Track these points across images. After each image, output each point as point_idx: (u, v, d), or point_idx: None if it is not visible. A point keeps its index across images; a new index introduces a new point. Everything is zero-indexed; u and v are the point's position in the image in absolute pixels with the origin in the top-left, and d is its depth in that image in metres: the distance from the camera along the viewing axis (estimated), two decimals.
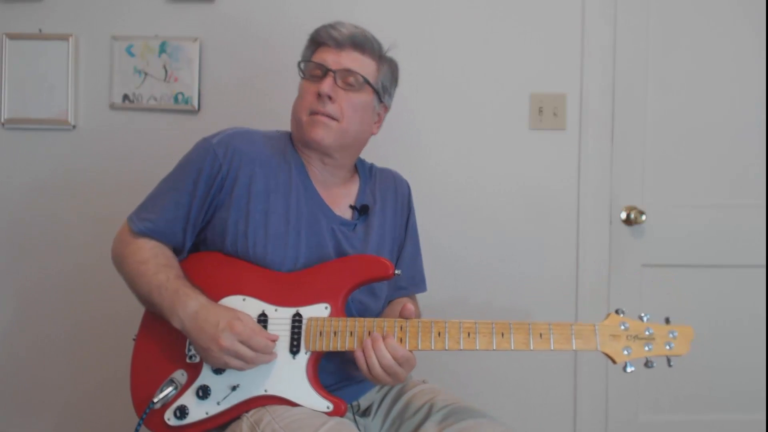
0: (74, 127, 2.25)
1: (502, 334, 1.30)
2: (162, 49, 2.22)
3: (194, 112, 2.24)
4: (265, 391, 1.34)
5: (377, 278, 1.40)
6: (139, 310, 1.47)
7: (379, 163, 1.67)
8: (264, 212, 1.41)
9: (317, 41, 1.48)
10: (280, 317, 1.36)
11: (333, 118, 1.43)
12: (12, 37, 2.24)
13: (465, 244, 2.26)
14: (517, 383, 2.27)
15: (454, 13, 2.25)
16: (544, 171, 2.27)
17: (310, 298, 1.37)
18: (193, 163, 1.43)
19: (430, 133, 2.25)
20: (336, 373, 1.42)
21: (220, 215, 1.42)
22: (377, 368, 1.28)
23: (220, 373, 1.35)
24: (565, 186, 2.27)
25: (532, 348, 1.30)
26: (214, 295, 1.38)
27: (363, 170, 1.60)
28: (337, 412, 1.32)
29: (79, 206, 2.24)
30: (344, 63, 1.43)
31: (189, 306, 1.33)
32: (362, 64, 1.45)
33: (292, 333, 1.35)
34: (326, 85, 1.42)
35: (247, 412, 1.33)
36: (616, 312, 1.33)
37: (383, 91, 1.51)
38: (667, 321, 1.33)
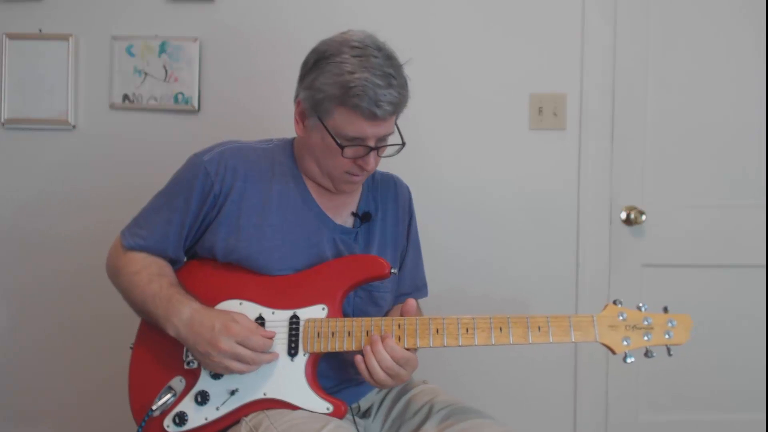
0: (74, 127, 2.25)
1: (501, 329, 1.30)
2: (162, 49, 2.22)
3: (194, 112, 2.24)
4: (264, 394, 1.33)
5: (374, 277, 1.39)
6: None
7: (380, 163, 1.66)
8: (258, 226, 1.39)
9: (355, 108, 1.32)
10: (277, 320, 1.35)
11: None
12: (12, 37, 2.23)
13: (465, 245, 2.26)
14: (517, 384, 2.27)
15: (453, 13, 2.25)
16: (544, 171, 2.27)
17: (306, 299, 1.36)
18: (185, 181, 1.42)
19: (430, 133, 2.24)
20: (334, 376, 1.42)
21: (212, 231, 1.40)
22: (378, 371, 1.27)
23: (219, 378, 1.34)
24: (565, 186, 2.27)
25: (530, 341, 1.29)
26: (211, 300, 1.37)
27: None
28: (337, 413, 1.31)
29: (79, 206, 2.24)
30: (382, 132, 1.36)
31: (182, 313, 1.32)
32: (393, 120, 1.39)
33: (290, 335, 1.34)
34: (372, 163, 1.38)
35: (246, 416, 1.33)
36: (614, 303, 1.32)
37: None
38: (665, 310, 1.32)
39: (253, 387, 1.33)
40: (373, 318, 1.34)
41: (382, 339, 1.29)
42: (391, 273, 1.38)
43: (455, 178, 2.26)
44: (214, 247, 1.40)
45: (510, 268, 2.27)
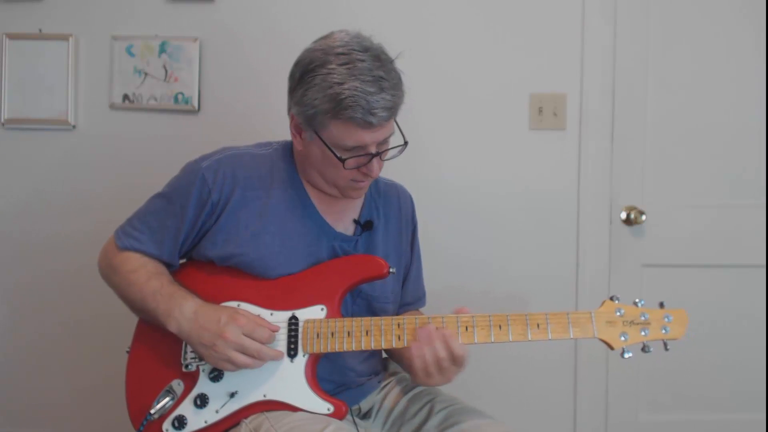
0: (74, 127, 2.25)
1: (500, 327, 1.30)
2: (162, 49, 2.22)
3: (194, 112, 2.24)
4: (264, 396, 1.33)
5: (372, 277, 1.38)
6: None
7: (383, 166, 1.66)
8: (256, 234, 1.38)
9: (349, 120, 1.28)
10: (276, 321, 1.35)
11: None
12: (12, 37, 2.23)
13: (465, 245, 2.26)
14: (517, 383, 2.28)
15: (453, 13, 2.25)
16: (544, 171, 2.27)
17: (305, 300, 1.36)
18: (182, 188, 1.40)
19: (430, 133, 2.24)
20: (333, 380, 1.41)
21: (209, 239, 1.39)
22: (428, 359, 1.26)
23: (218, 381, 1.34)
24: (565, 186, 2.27)
25: (530, 338, 1.30)
26: (209, 301, 1.36)
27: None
28: (337, 414, 1.31)
29: (79, 206, 2.24)
30: (381, 137, 1.33)
31: (186, 307, 1.32)
32: (392, 122, 1.35)
33: (289, 336, 1.34)
34: (376, 170, 1.36)
35: (245, 418, 1.32)
36: (611, 299, 1.34)
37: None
38: (662, 305, 1.35)
39: (253, 389, 1.33)
40: (373, 318, 1.34)
41: (445, 336, 1.27)
42: (389, 273, 1.37)
43: (455, 178, 2.26)
44: (211, 253, 1.39)
45: (510, 268, 2.27)
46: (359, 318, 1.34)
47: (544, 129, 2.26)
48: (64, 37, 2.23)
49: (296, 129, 1.38)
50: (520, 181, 2.27)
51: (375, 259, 1.39)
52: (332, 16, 2.16)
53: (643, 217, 2.26)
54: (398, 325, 1.33)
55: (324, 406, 1.32)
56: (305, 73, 1.30)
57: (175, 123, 2.24)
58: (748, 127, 2.29)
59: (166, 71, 2.22)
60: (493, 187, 2.27)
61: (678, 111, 2.29)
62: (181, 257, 1.45)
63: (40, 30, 2.24)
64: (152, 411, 1.32)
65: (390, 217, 1.54)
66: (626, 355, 1.31)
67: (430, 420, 1.40)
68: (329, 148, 1.32)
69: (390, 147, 1.37)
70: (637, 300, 1.35)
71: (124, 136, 2.25)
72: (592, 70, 2.25)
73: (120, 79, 2.23)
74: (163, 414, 1.34)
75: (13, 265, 2.27)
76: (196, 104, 2.23)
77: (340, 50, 1.28)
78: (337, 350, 1.33)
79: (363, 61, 1.27)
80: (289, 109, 1.37)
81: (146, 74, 2.23)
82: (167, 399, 1.34)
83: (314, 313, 1.35)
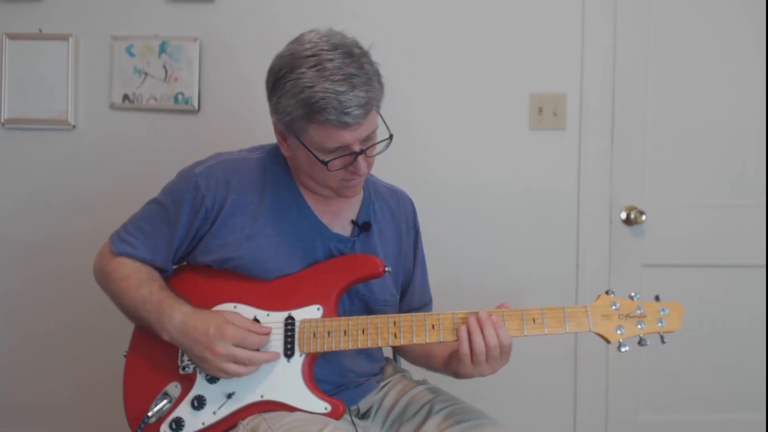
0: (74, 127, 2.25)
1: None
2: (162, 49, 2.22)
3: (194, 112, 2.24)
4: (262, 396, 1.33)
5: (368, 276, 1.38)
6: None
7: (379, 163, 1.65)
8: (251, 237, 1.37)
9: (325, 123, 1.26)
10: (272, 321, 1.35)
11: None
12: (12, 37, 2.24)
13: (465, 245, 2.26)
14: (517, 383, 2.27)
15: (453, 13, 2.25)
16: (544, 171, 2.27)
17: (301, 300, 1.36)
18: (176, 194, 1.40)
19: (429, 133, 2.25)
20: (331, 381, 1.41)
21: (204, 244, 1.39)
22: (480, 346, 1.25)
23: (215, 382, 1.34)
24: (565, 186, 2.27)
25: (526, 334, 1.30)
26: (205, 304, 1.36)
27: (367, 184, 1.53)
28: (335, 413, 1.31)
29: (78, 206, 2.24)
30: (363, 134, 1.29)
31: (174, 318, 1.31)
32: (373, 117, 1.31)
33: (286, 336, 1.34)
34: (363, 167, 1.32)
35: (243, 419, 1.32)
36: (607, 293, 1.34)
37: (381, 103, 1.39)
38: (657, 298, 1.34)
39: (250, 389, 1.33)
40: (369, 316, 1.34)
41: (494, 322, 1.27)
42: (385, 272, 1.36)
43: (455, 178, 2.26)
44: (207, 258, 1.39)
45: (510, 268, 2.27)
46: (355, 317, 1.34)
47: (544, 129, 2.26)
48: (64, 37, 2.23)
49: (281, 136, 1.37)
50: (520, 181, 2.27)
51: (371, 258, 1.39)
52: (332, 15, 2.16)
53: (643, 217, 2.26)
54: (394, 323, 1.32)
55: (321, 406, 1.32)
56: (277, 81, 1.29)
57: (175, 123, 2.24)
58: (748, 127, 2.29)
59: (166, 71, 2.22)
60: (493, 187, 2.27)
61: (678, 111, 2.29)
62: (177, 262, 1.45)
63: (40, 30, 2.24)
64: (150, 414, 1.32)
65: (388, 221, 1.53)
66: (623, 349, 1.31)
67: (430, 420, 1.39)
68: (312, 153, 1.30)
69: (376, 142, 1.34)
70: (632, 294, 1.35)
71: (124, 136, 2.25)
72: (592, 70, 2.25)
73: (120, 79, 2.23)
74: (161, 417, 1.34)
75: (13, 265, 2.27)
76: (196, 104, 2.23)
77: (308, 53, 1.25)
78: (333, 349, 1.33)
79: (332, 60, 1.24)
80: (271, 117, 1.36)
81: (146, 74, 2.23)
82: (165, 401, 1.34)
83: (310, 312, 1.35)
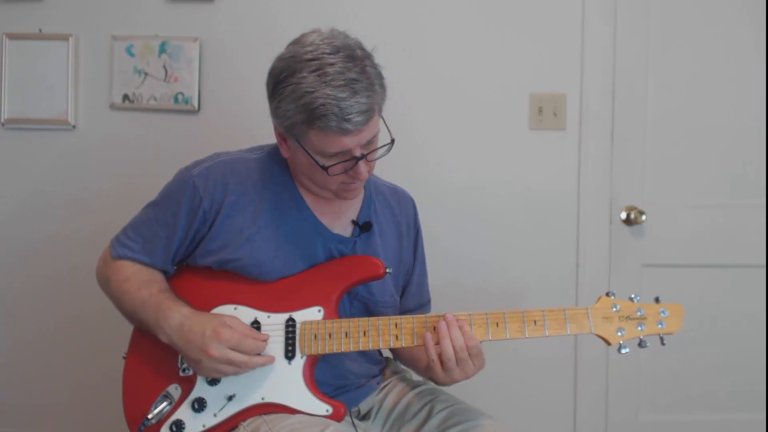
0: (74, 127, 2.25)
1: (497, 324, 1.31)
2: (162, 49, 2.22)
3: (194, 112, 2.24)
4: (263, 399, 1.33)
5: (369, 278, 1.38)
6: None
7: (379, 163, 1.65)
8: (250, 239, 1.37)
9: (325, 129, 1.25)
10: (273, 323, 1.35)
11: None
12: (12, 37, 2.23)
13: (464, 245, 2.26)
14: (517, 383, 2.28)
15: (453, 13, 2.25)
16: (544, 171, 2.27)
17: (302, 302, 1.35)
18: (174, 196, 1.39)
19: (430, 133, 2.25)
20: (332, 383, 1.41)
21: (203, 246, 1.39)
22: (449, 352, 1.25)
23: (215, 384, 1.34)
24: (565, 186, 2.27)
25: (527, 336, 1.30)
26: (205, 305, 1.36)
27: (368, 184, 1.52)
28: (336, 415, 1.31)
29: (78, 206, 2.24)
30: (364, 139, 1.28)
31: (172, 319, 1.31)
32: (374, 121, 1.30)
33: (287, 338, 1.34)
34: (364, 172, 1.32)
35: (244, 421, 1.32)
36: (607, 295, 1.35)
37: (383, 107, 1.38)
38: (657, 300, 1.35)
39: (251, 392, 1.33)
40: (370, 318, 1.34)
41: (459, 324, 1.27)
42: (386, 273, 1.36)
43: (455, 178, 2.26)
44: (207, 260, 1.38)
45: (510, 268, 2.27)
46: (356, 319, 1.34)
47: (544, 129, 2.26)
48: (64, 37, 2.23)
49: (280, 137, 1.36)
50: (520, 181, 2.27)
51: (371, 260, 1.38)
52: (332, 15, 2.15)
53: (643, 217, 2.26)
54: (396, 324, 1.32)
55: (322, 408, 1.32)
56: (277, 84, 1.27)
57: (175, 123, 2.24)
58: (748, 127, 2.29)
59: (166, 71, 2.22)
60: (493, 187, 2.27)
61: (678, 111, 2.29)
62: (178, 263, 1.44)
63: (40, 30, 2.24)
64: (150, 416, 1.32)
65: (389, 221, 1.53)
66: (623, 351, 1.31)
67: (430, 420, 1.39)
68: (312, 157, 1.29)
69: (377, 147, 1.33)
70: (632, 295, 1.35)
71: (124, 136, 2.25)
72: (592, 70, 2.25)
73: (120, 79, 2.23)
74: (161, 419, 1.34)
75: (13, 265, 2.27)
76: (196, 104, 2.23)
77: (309, 56, 1.23)
78: (334, 351, 1.33)
79: (333, 64, 1.22)
80: (272, 119, 1.35)
81: (146, 74, 2.23)
82: (165, 404, 1.34)
83: (311, 314, 1.35)
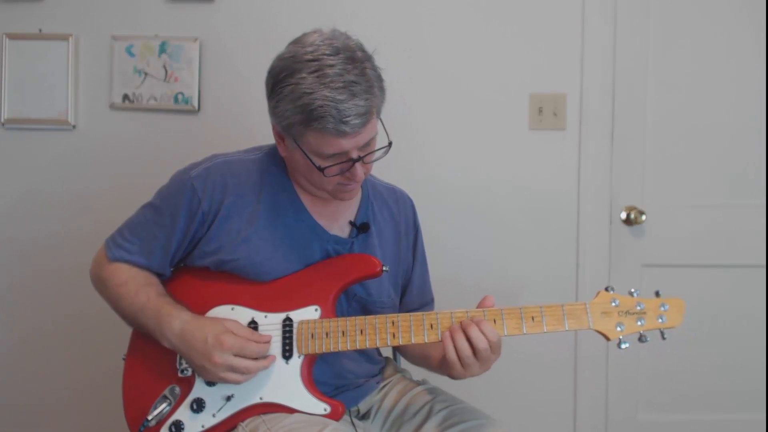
0: (74, 127, 2.26)
1: (494, 321, 1.29)
2: (162, 49, 2.22)
3: (194, 112, 2.24)
4: (261, 398, 1.33)
5: (365, 276, 1.37)
6: None
7: (378, 163, 1.65)
8: (248, 240, 1.36)
9: (322, 131, 1.24)
10: (270, 323, 1.34)
11: None
12: (12, 37, 2.24)
13: (464, 245, 2.26)
14: (517, 383, 2.28)
15: (453, 13, 2.25)
16: (544, 171, 2.27)
17: (299, 301, 1.35)
18: (172, 198, 1.39)
19: (429, 133, 2.25)
20: (331, 383, 1.41)
21: (201, 248, 1.38)
22: (466, 351, 1.24)
23: (214, 385, 1.33)
24: (565, 186, 2.27)
25: (525, 332, 1.28)
26: (203, 306, 1.36)
27: (366, 184, 1.52)
28: (334, 414, 1.31)
29: (78, 206, 2.25)
30: (361, 141, 1.28)
31: (173, 325, 1.30)
32: (372, 124, 1.30)
33: (284, 338, 1.34)
34: (360, 174, 1.31)
35: (242, 421, 1.32)
36: (606, 289, 1.32)
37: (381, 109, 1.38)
38: (657, 294, 1.32)
39: (249, 392, 1.33)
40: (367, 317, 1.33)
41: (477, 323, 1.26)
42: (383, 271, 1.36)
43: (455, 178, 2.26)
44: (204, 261, 1.38)
45: (510, 268, 2.27)
46: (353, 317, 1.34)
47: (544, 129, 2.26)
48: (64, 37, 2.23)
49: (278, 136, 1.36)
50: (520, 181, 2.27)
51: (368, 258, 1.38)
52: (332, 15, 2.15)
53: (643, 217, 2.26)
54: (392, 323, 1.32)
55: (320, 407, 1.31)
56: (276, 84, 1.27)
57: (175, 123, 2.24)
58: (748, 127, 2.29)
59: (166, 71, 2.22)
60: (493, 187, 2.27)
61: (678, 111, 2.29)
62: (174, 265, 1.44)
63: (40, 30, 2.24)
64: (149, 417, 1.32)
65: (387, 221, 1.52)
66: (623, 346, 1.29)
67: (430, 420, 1.39)
68: (309, 157, 1.29)
69: (374, 149, 1.32)
70: (632, 290, 1.33)
71: (124, 136, 2.25)
72: (592, 70, 2.25)
73: (120, 79, 2.23)
74: (161, 420, 1.34)
75: (13, 264, 2.27)
76: (196, 104, 2.23)
77: (308, 57, 1.23)
78: (332, 350, 1.32)
79: (332, 66, 1.21)
80: (270, 118, 1.34)
81: (146, 74, 2.23)
82: (164, 405, 1.33)
83: (308, 314, 1.35)
